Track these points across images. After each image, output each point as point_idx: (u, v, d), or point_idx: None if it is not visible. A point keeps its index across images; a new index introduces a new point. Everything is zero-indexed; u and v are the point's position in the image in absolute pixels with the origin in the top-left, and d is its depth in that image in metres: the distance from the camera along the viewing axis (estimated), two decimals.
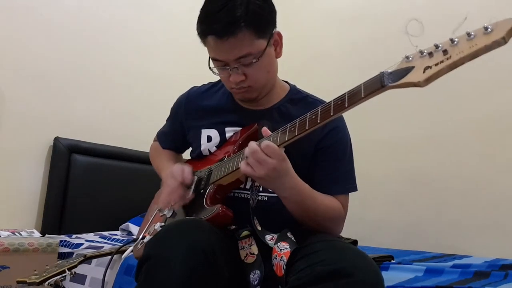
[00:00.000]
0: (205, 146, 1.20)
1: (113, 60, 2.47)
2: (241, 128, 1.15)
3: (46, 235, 1.98)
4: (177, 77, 2.60)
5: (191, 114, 1.25)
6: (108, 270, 1.25)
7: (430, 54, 0.69)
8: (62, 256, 1.79)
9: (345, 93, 0.83)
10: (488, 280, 1.30)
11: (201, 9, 1.05)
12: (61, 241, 1.86)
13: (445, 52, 0.67)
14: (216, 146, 1.18)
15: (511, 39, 0.62)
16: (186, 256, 0.81)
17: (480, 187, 2.13)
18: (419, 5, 2.42)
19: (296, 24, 2.95)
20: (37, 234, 1.94)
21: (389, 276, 1.25)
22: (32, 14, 2.16)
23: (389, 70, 0.75)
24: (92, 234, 2.09)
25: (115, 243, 1.84)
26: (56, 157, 2.16)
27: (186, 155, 1.35)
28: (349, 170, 1.15)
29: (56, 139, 2.19)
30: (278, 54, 1.12)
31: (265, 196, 1.09)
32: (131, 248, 1.17)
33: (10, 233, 1.83)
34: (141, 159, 2.36)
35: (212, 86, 1.27)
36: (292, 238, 0.96)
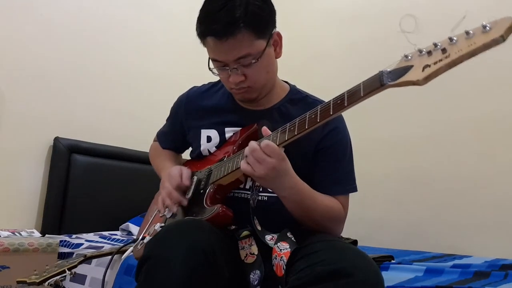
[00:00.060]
0: (204, 146, 1.20)
1: (113, 60, 2.48)
2: (240, 128, 1.15)
3: (46, 235, 1.98)
4: (177, 77, 2.60)
5: (191, 114, 1.25)
6: (108, 270, 1.25)
7: (429, 52, 0.70)
8: (62, 256, 1.79)
9: (344, 92, 0.83)
10: (488, 280, 1.30)
11: (201, 10, 1.05)
12: (61, 241, 1.86)
13: (444, 50, 0.67)
14: (215, 146, 1.18)
15: (510, 37, 0.62)
16: (186, 256, 0.81)
17: (480, 186, 2.12)
18: (419, 4, 2.42)
19: (296, 24, 2.95)
20: (37, 234, 1.94)
21: (389, 276, 1.25)
22: (32, 14, 2.16)
23: (388, 69, 0.75)
24: (92, 234, 2.09)
25: (115, 243, 1.84)
26: (56, 157, 2.16)
27: (186, 155, 1.35)
28: (349, 171, 1.15)
29: (56, 139, 2.19)
30: (278, 54, 1.12)
31: (265, 196, 1.09)
32: (131, 249, 1.18)
33: (10, 233, 1.83)
34: (141, 159, 2.36)
35: (212, 86, 1.27)
36: (292, 238, 0.96)
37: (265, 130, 0.98)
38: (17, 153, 2.09)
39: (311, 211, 1.02)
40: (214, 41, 1.01)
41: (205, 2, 1.06)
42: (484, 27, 0.63)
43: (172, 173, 1.14)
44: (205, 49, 1.08)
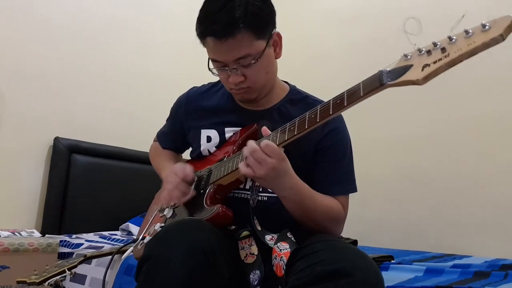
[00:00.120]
0: (204, 146, 1.20)
1: (113, 60, 2.48)
2: (240, 128, 1.15)
3: (46, 235, 1.98)
4: (177, 77, 2.60)
5: (191, 114, 1.25)
6: (108, 270, 1.25)
7: (429, 52, 0.70)
8: (62, 256, 1.79)
9: (344, 92, 0.83)
10: (488, 280, 1.30)
11: (200, 10, 1.05)
12: (61, 241, 1.86)
13: (443, 50, 0.67)
14: (215, 147, 1.18)
15: (509, 36, 0.62)
16: (186, 256, 0.81)
17: (479, 186, 2.12)
18: (418, 4, 2.42)
19: (296, 24, 2.95)
20: (37, 234, 1.94)
21: (389, 276, 1.25)
22: (32, 14, 2.16)
23: (388, 69, 0.75)
24: (92, 234, 2.09)
25: (115, 243, 1.84)
26: (56, 157, 2.16)
27: (186, 155, 1.35)
28: (349, 171, 1.15)
29: (56, 139, 2.19)
30: (278, 55, 1.12)
31: (265, 196, 1.09)
32: (131, 249, 1.17)
33: (10, 233, 1.83)
34: (141, 159, 2.36)
35: (212, 86, 1.27)
36: (292, 238, 0.96)
37: (265, 130, 0.98)
38: (17, 153, 2.09)
39: (311, 211, 1.02)
40: (214, 41, 1.01)
41: (204, 3, 1.06)
42: (484, 26, 0.63)
43: (177, 168, 1.14)
44: (205, 49, 1.08)
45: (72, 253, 1.76)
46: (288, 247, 0.92)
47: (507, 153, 2.07)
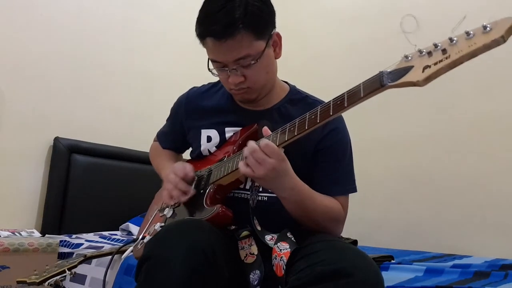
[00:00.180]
0: (205, 146, 1.20)
1: (113, 60, 2.47)
2: (240, 128, 1.15)
3: (46, 235, 1.98)
4: (177, 77, 2.60)
5: (191, 114, 1.25)
6: (108, 270, 1.25)
7: (429, 53, 0.70)
8: (62, 256, 1.79)
9: (344, 93, 0.83)
10: (488, 280, 1.30)
11: (200, 10, 1.05)
12: (61, 241, 1.86)
13: (444, 51, 0.67)
14: (216, 146, 1.18)
15: (510, 38, 0.62)
16: (186, 256, 0.81)
17: (479, 186, 2.13)
18: (418, 4, 2.42)
19: (296, 24, 2.95)
20: (37, 234, 1.94)
21: (389, 276, 1.25)
22: (32, 14, 2.16)
23: (388, 70, 0.75)
24: (92, 234, 2.09)
25: (115, 243, 1.84)
26: (56, 157, 2.16)
27: (186, 155, 1.35)
28: (349, 171, 1.15)
29: (56, 139, 2.19)
30: (277, 55, 1.12)
31: (265, 196, 1.09)
32: (131, 248, 1.17)
33: (10, 233, 1.83)
34: (141, 159, 2.36)
35: (212, 86, 1.27)
36: (292, 238, 0.96)
37: (265, 130, 0.98)
38: (17, 153, 2.09)
39: (311, 211, 1.02)
40: (213, 42, 1.01)
41: (204, 3, 1.06)
42: (485, 27, 0.63)
43: (177, 167, 1.14)
44: (205, 49, 1.08)
45: (72, 253, 1.76)
46: (288, 247, 0.92)
47: (507, 153, 2.07)
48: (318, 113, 0.88)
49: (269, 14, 1.06)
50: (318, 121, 0.87)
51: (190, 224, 0.92)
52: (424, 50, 0.71)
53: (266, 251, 0.97)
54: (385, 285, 0.82)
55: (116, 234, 2.10)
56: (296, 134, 0.91)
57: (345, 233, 1.17)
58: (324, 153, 1.10)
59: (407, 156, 2.41)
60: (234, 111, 1.19)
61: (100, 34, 2.43)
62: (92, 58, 2.38)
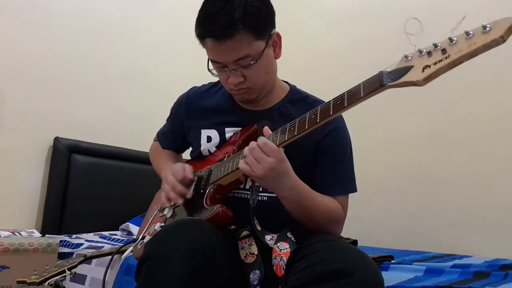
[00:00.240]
0: (205, 146, 1.20)
1: (113, 60, 2.47)
2: (240, 128, 1.15)
3: (46, 235, 1.98)
4: (177, 77, 2.60)
5: (191, 114, 1.25)
6: (108, 270, 1.25)
7: (429, 53, 0.70)
8: (62, 256, 1.79)
9: (344, 93, 0.83)
10: (488, 280, 1.30)
11: (199, 11, 1.05)
12: (61, 241, 1.86)
13: (443, 51, 0.67)
14: (216, 147, 1.18)
15: (510, 38, 0.62)
16: (186, 256, 0.81)
17: (479, 186, 2.13)
18: (418, 4, 2.42)
19: (296, 24, 2.96)
20: (37, 234, 1.94)
21: (389, 276, 1.25)
22: (32, 14, 2.16)
23: (388, 69, 0.75)
24: (92, 234, 2.09)
25: (115, 243, 1.84)
26: (56, 157, 2.16)
27: (186, 155, 1.35)
28: (349, 171, 1.15)
29: (56, 139, 2.19)
30: (277, 55, 1.12)
31: (265, 196, 1.09)
32: (131, 248, 1.17)
33: (10, 233, 1.83)
34: (141, 159, 2.36)
35: (212, 86, 1.27)
36: (292, 238, 0.96)
37: (266, 130, 0.98)
38: (17, 153, 2.09)
39: (310, 211, 1.02)
40: (213, 42, 1.01)
41: (204, 3, 1.06)
42: (484, 27, 0.63)
43: (176, 168, 1.14)
44: (205, 49, 1.08)
45: (72, 253, 1.77)
46: (288, 247, 0.92)
47: (507, 153, 2.07)
48: (318, 113, 0.88)
49: (269, 14, 1.06)
50: (318, 121, 0.87)
51: (190, 224, 0.92)
52: (424, 50, 0.71)
53: (266, 251, 0.97)
54: (385, 285, 0.82)
55: (116, 234, 2.10)
56: (296, 134, 0.91)
57: (345, 233, 1.17)
58: (324, 153, 1.10)
59: (407, 156, 2.41)
60: (234, 111, 1.19)
61: (100, 34, 2.43)
62: (92, 58, 2.38)
